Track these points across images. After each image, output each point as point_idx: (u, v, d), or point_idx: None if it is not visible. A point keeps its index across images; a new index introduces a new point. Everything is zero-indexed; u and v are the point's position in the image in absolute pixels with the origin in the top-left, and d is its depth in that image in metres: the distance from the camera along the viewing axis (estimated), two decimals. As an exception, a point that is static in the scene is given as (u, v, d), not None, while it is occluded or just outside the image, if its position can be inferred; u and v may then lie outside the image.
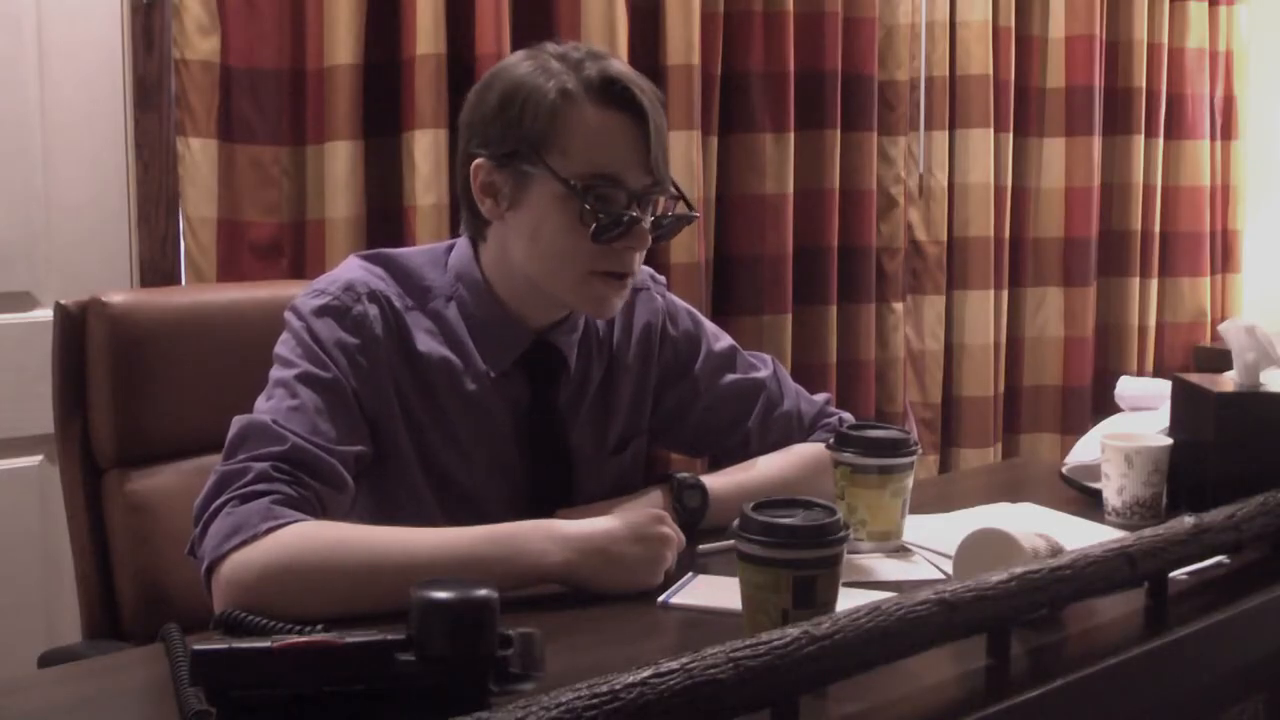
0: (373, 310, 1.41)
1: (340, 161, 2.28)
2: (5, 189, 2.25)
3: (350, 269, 1.45)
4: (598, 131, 1.39)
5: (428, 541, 1.26)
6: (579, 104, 1.39)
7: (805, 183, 2.91)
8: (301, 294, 1.43)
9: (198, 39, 2.22)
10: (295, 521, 1.24)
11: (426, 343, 1.44)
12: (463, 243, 1.50)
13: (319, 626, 1.06)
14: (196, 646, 0.92)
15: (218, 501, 1.26)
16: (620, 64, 1.44)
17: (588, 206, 1.37)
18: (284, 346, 1.40)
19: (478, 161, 1.42)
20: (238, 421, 1.33)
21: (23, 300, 2.29)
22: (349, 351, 1.38)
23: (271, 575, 1.21)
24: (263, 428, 1.31)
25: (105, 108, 2.33)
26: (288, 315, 1.42)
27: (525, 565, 1.26)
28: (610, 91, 1.40)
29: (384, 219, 2.37)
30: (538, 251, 1.42)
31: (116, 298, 1.60)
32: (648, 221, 1.41)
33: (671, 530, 1.33)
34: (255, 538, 1.22)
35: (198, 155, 2.24)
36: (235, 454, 1.30)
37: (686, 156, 2.64)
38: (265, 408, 1.34)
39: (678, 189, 1.47)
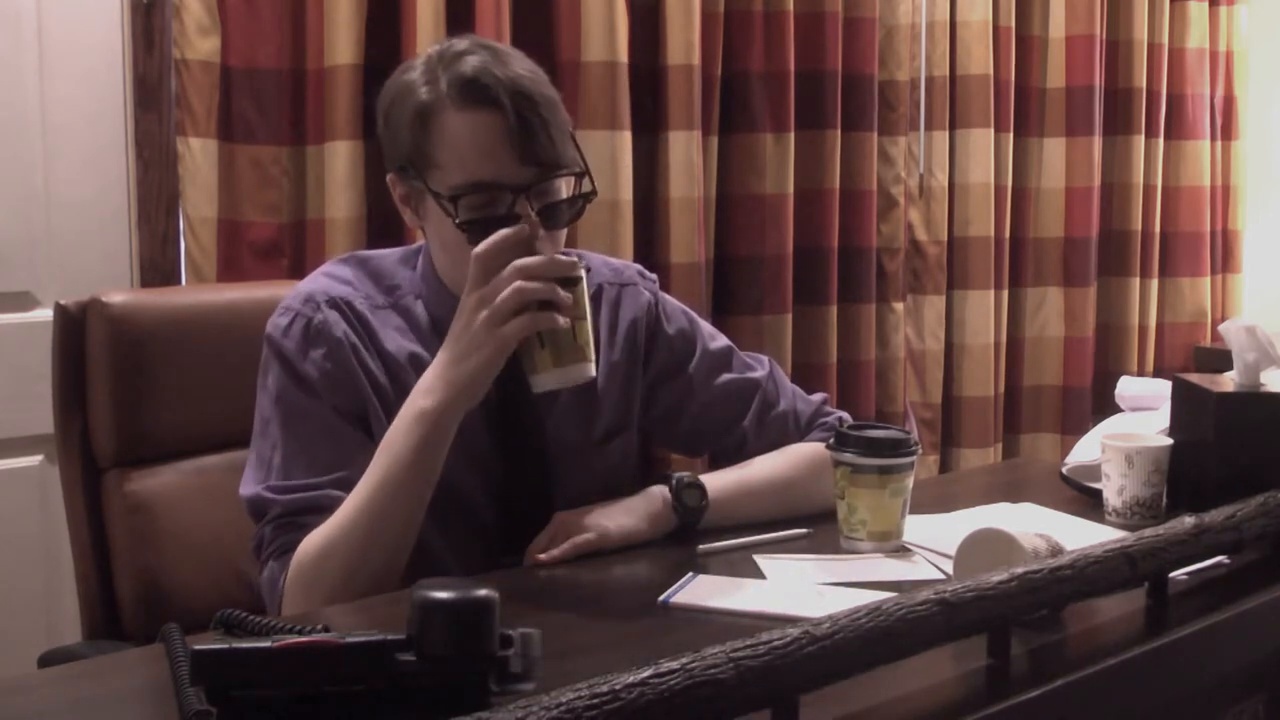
0: (333, 315, 1.43)
1: (340, 161, 2.28)
2: (5, 189, 2.25)
3: (313, 280, 1.49)
4: (462, 139, 1.36)
5: (370, 477, 1.35)
6: (440, 114, 1.37)
7: (805, 183, 2.91)
8: (274, 313, 1.46)
9: (198, 39, 2.22)
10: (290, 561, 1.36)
11: (395, 340, 1.46)
12: (425, 242, 1.52)
13: (319, 626, 1.07)
14: (196, 646, 0.92)
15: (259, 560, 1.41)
16: (484, 58, 1.38)
17: (457, 221, 1.36)
18: (263, 373, 1.45)
19: (389, 176, 1.46)
20: (243, 497, 1.42)
21: (23, 300, 2.29)
22: (317, 363, 1.41)
23: (314, 598, 1.33)
24: (255, 502, 1.40)
25: (105, 108, 2.33)
26: (264, 338, 1.45)
27: (422, 430, 1.32)
28: (469, 92, 1.36)
29: (384, 219, 2.37)
30: (450, 260, 1.44)
31: (116, 298, 1.60)
32: (534, 212, 1.35)
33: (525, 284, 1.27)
34: (283, 594, 1.36)
35: (198, 155, 2.24)
36: (255, 522, 1.42)
37: (687, 156, 2.64)
38: (253, 476, 1.42)
39: (584, 162, 1.41)
